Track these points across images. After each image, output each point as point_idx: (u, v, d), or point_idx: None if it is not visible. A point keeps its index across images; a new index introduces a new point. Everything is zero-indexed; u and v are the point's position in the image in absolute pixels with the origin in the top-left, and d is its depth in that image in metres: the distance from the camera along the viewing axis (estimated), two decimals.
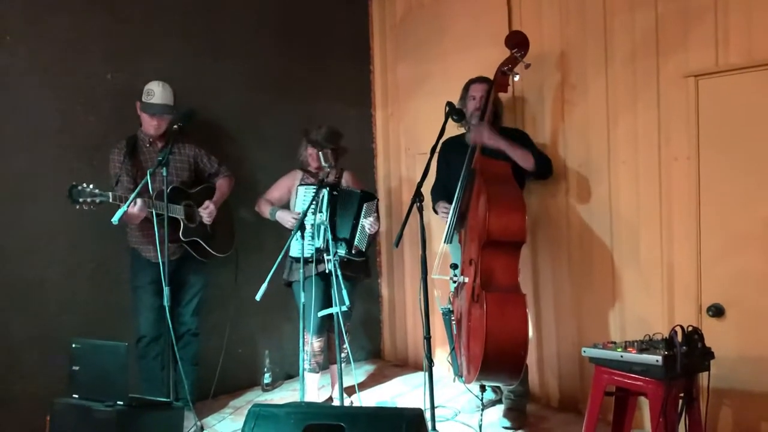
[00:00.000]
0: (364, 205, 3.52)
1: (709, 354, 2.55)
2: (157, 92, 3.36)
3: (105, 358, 2.62)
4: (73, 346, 2.71)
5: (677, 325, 2.51)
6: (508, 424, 3.32)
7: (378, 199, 3.69)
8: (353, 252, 3.51)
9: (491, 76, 3.44)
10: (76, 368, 2.67)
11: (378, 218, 3.64)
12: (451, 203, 3.37)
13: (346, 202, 3.51)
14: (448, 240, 3.36)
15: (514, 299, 3.03)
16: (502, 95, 3.55)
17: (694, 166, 3.04)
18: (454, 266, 3.32)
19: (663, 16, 3.14)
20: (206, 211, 3.48)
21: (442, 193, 3.54)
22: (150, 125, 3.37)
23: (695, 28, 3.02)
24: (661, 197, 3.19)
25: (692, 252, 3.06)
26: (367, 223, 3.52)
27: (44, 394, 3.10)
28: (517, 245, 3.13)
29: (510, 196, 3.14)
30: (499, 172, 3.23)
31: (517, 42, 3.29)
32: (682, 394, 2.57)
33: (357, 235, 3.51)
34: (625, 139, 3.33)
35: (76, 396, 2.65)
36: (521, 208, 3.11)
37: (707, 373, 2.58)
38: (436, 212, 3.61)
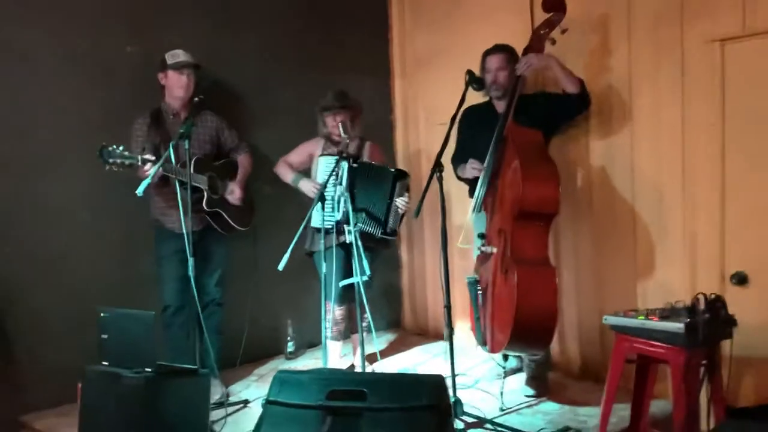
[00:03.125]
0: (398, 184, 3.52)
1: (731, 322, 2.54)
2: (182, 53, 3.41)
3: (132, 326, 2.68)
4: (101, 315, 2.77)
5: (700, 293, 2.50)
6: (530, 392, 3.35)
7: (410, 177, 3.67)
8: (387, 231, 3.52)
9: (514, 45, 3.39)
10: (104, 336, 2.74)
11: (409, 196, 3.62)
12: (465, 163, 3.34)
13: (378, 179, 3.51)
14: (478, 209, 3.33)
15: (544, 272, 3.02)
16: None
17: (718, 132, 2.99)
18: (481, 236, 3.31)
19: None
20: (233, 196, 3.54)
21: (463, 159, 3.49)
22: (179, 85, 3.39)
23: None
24: (684, 164, 3.16)
25: (716, 219, 3.03)
26: (400, 202, 3.53)
27: (74, 362, 3.16)
28: (550, 217, 3.09)
29: (544, 165, 3.08)
30: (531, 140, 3.16)
31: (555, 5, 3.18)
32: (704, 362, 2.57)
33: (391, 214, 3.52)
34: (648, 105, 3.28)
35: (106, 363, 2.72)
36: (555, 178, 3.05)
37: (730, 341, 2.57)
38: (459, 177, 3.56)
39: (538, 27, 3.24)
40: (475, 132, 3.46)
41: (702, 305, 2.49)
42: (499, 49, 3.42)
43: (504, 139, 3.20)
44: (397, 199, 3.53)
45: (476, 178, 3.32)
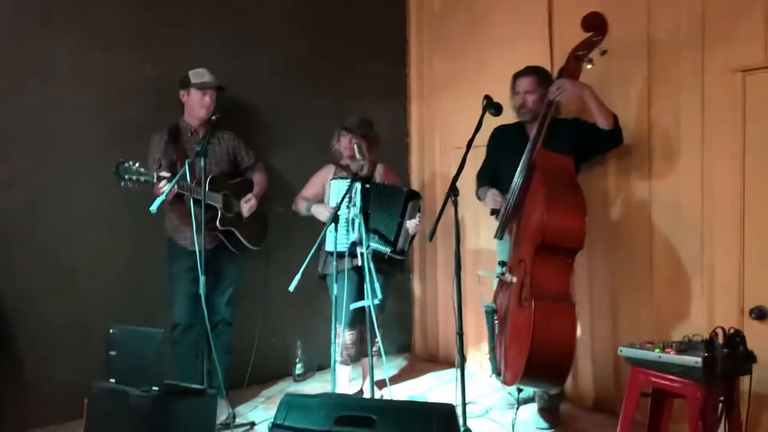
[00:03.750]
0: (409, 204, 3.50)
1: (751, 357, 2.46)
2: (206, 73, 3.45)
3: (141, 344, 2.66)
4: (111, 331, 2.76)
5: (718, 327, 2.44)
6: (543, 424, 3.28)
7: (422, 199, 3.65)
8: (396, 251, 3.49)
9: (536, 66, 3.37)
10: (113, 353, 2.72)
11: (420, 218, 3.59)
12: (499, 191, 3.29)
13: (390, 200, 3.49)
14: (500, 236, 3.28)
15: (564, 309, 2.89)
16: None
17: (738, 164, 2.95)
18: (502, 263, 3.25)
19: (709, 8, 3.04)
20: (247, 205, 3.53)
21: (489, 178, 3.45)
22: (201, 105, 3.42)
23: (743, 21, 2.92)
24: (703, 195, 3.10)
25: (735, 253, 2.97)
26: (411, 224, 3.50)
27: (81, 377, 3.15)
28: (573, 251, 2.97)
29: (570, 195, 2.94)
30: (561, 167, 3.03)
31: (596, 24, 3.01)
32: (722, 398, 2.50)
33: (401, 235, 3.49)
34: (666, 135, 3.24)
35: (113, 380, 2.70)
36: (582, 211, 2.92)
37: (748, 377, 2.50)
38: (478, 197, 3.51)
39: (576, 47, 3.10)
40: (503, 152, 3.40)
41: (720, 339, 2.43)
42: (530, 71, 3.35)
43: (533, 164, 3.10)
44: (408, 220, 3.50)
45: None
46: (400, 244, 3.50)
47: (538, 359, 2.82)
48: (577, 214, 2.92)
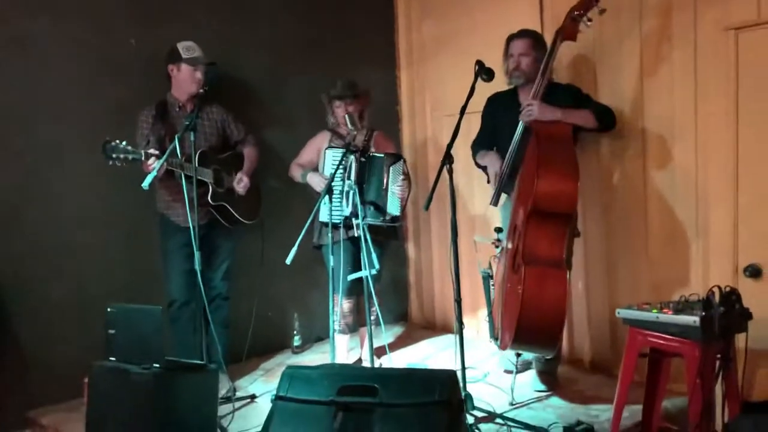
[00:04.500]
0: (390, 169, 3.46)
1: (746, 315, 2.49)
2: (196, 47, 3.38)
3: (140, 321, 2.65)
4: (109, 310, 2.74)
5: (714, 286, 2.46)
6: (540, 387, 3.32)
7: (404, 159, 3.58)
8: (387, 218, 3.47)
9: (530, 29, 3.33)
10: (112, 332, 2.71)
11: (408, 179, 3.55)
12: (495, 153, 3.29)
13: (373, 169, 3.44)
14: (494, 202, 3.27)
15: (555, 275, 2.86)
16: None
17: (732, 121, 2.94)
18: (498, 230, 3.25)
19: None
20: (241, 185, 3.50)
21: (485, 145, 3.44)
22: (192, 81, 3.36)
23: None
24: (696, 154, 3.11)
25: (729, 211, 2.98)
26: (396, 188, 3.46)
27: (80, 356, 3.17)
28: (565, 217, 2.93)
29: (564, 162, 2.90)
30: (556, 132, 2.99)
31: None
32: (718, 356, 2.53)
33: (388, 200, 3.46)
34: (659, 94, 3.23)
35: (113, 359, 2.70)
36: (574, 176, 2.89)
37: (744, 334, 2.53)
38: (477, 164, 3.50)
39: (573, 8, 3.02)
40: (498, 120, 3.37)
41: (717, 298, 2.45)
42: (524, 33, 3.30)
43: (529, 129, 3.07)
44: (392, 186, 3.45)
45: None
46: (389, 209, 3.47)
47: (528, 324, 2.83)
48: (569, 179, 2.89)
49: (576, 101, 3.18)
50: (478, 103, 3.41)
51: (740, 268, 2.96)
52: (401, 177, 3.50)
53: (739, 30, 2.89)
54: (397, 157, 3.54)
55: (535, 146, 2.95)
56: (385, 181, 3.45)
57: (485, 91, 3.48)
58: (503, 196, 3.39)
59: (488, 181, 3.41)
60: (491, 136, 3.44)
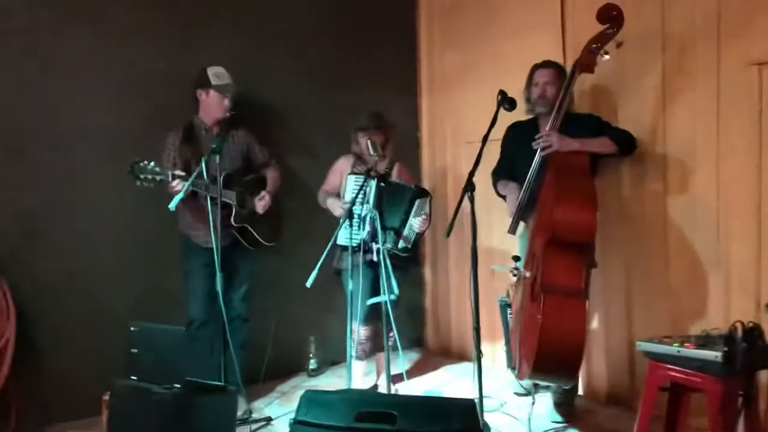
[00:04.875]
0: (416, 202, 3.49)
1: None
2: (225, 74, 3.44)
3: (163, 341, 2.68)
4: (132, 329, 2.77)
5: (738, 321, 2.44)
6: (558, 418, 3.29)
7: (431, 197, 3.64)
8: (399, 247, 3.49)
9: (554, 60, 3.37)
10: (134, 351, 2.74)
11: (429, 217, 3.59)
12: (515, 183, 3.33)
13: (398, 197, 3.48)
14: (512, 230, 3.29)
15: (574, 305, 2.86)
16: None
17: (755, 158, 2.94)
18: (516, 258, 3.26)
19: (725, 0, 3.03)
20: (261, 202, 3.53)
21: (505, 175, 3.47)
22: (220, 108, 3.42)
23: (760, 13, 2.91)
24: (718, 189, 3.10)
25: (751, 246, 2.97)
26: (416, 222, 3.50)
27: (99, 374, 3.20)
28: (585, 246, 2.97)
29: (581, 191, 2.94)
30: (573, 162, 3.03)
31: (611, 17, 3.03)
32: (741, 392, 2.51)
33: (405, 231, 3.49)
34: (681, 128, 3.24)
35: (135, 378, 2.72)
36: (592, 206, 2.91)
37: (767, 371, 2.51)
38: (497, 193, 3.52)
39: (590, 41, 3.08)
40: (518, 149, 3.40)
41: (740, 334, 2.43)
42: (550, 63, 3.36)
43: (547, 159, 3.12)
44: (413, 219, 3.50)
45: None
46: (403, 241, 3.50)
47: (547, 354, 2.82)
48: (587, 208, 2.91)
49: (596, 130, 3.20)
50: (498, 131, 3.42)
51: (762, 303, 2.93)
52: (424, 213, 3.53)
53: (762, 66, 2.90)
54: (425, 193, 3.58)
55: (553, 176, 2.98)
56: (407, 211, 3.47)
57: (506, 120, 3.52)
58: (521, 224, 3.40)
59: (510, 212, 3.42)
60: (510, 163, 3.47)
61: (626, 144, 3.17)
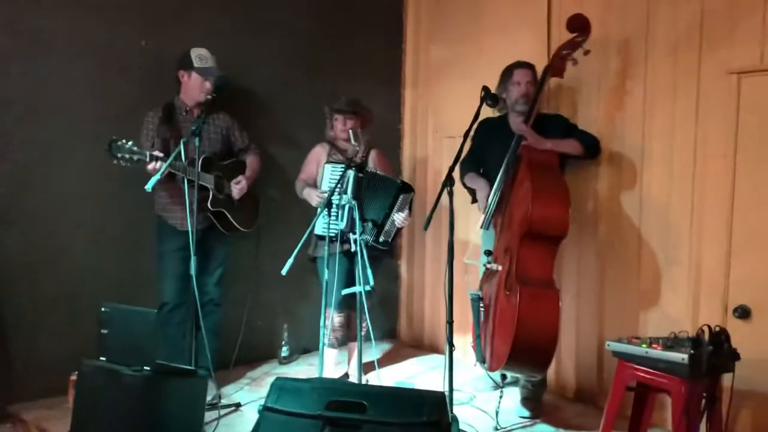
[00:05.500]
0: (400, 197, 3.50)
1: (734, 355, 2.53)
2: (209, 57, 3.40)
3: (134, 323, 2.66)
4: (103, 310, 2.74)
5: (704, 325, 2.50)
6: (526, 413, 3.33)
7: (414, 193, 3.65)
8: (379, 241, 3.50)
9: (527, 60, 3.40)
10: (105, 332, 2.71)
11: (410, 213, 3.60)
12: (480, 177, 3.39)
13: (382, 190, 3.48)
14: (486, 226, 3.33)
15: (548, 295, 2.99)
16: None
17: (730, 164, 3.00)
18: (488, 252, 3.30)
19: (708, 9, 3.08)
20: (237, 186, 3.50)
21: (473, 167, 3.51)
22: (203, 90, 3.38)
23: (741, 23, 2.96)
24: (693, 194, 3.16)
25: (722, 251, 3.03)
26: (399, 217, 3.50)
27: (66, 353, 3.19)
28: (557, 239, 3.08)
29: (555, 187, 3.07)
30: (544, 160, 3.16)
31: (579, 26, 3.19)
32: (704, 394, 2.57)
33: (387, 225, 3.50)
34: (660, 133, 3.28)
35: (104, 359, 2.69)
36: (566, 201, 3.04)
37: (731, 374, 2.56)
38: (464, 184, 3.55)
39: (560, 47, 3.24)
40: (489, 145, 3.46)
41: (706, 337, 2.48)
42: (528, 64, 3.44)
43: (518, 157, 3.21)
44: (396, 213, 3.50)
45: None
46: (384, 233, 3.50)
47: (523, 344, 2.90)
48: (561, 203, 3.04)
49: (563, 131, 3.33)
50: None
51: (730, 308, 3.00)
52: (406, 208, 3.54)
53: (741, 74, 2.95)
54: (410, 188, 3.59)
55: (528, 173, 3.07)
56: (391, 206, 3.48)
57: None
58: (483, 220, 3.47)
59: (472, 202, 3.52)
60: (480, 158, 3.52)
61: (592, 149, 3.32)
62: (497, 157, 3.28)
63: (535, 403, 3.39)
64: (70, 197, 3.44)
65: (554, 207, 3.02)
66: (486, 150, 3.47)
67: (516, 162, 3.21)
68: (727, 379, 2.62)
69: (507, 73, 3.45)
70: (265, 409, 2.38)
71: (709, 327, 2.50)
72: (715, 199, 3.06)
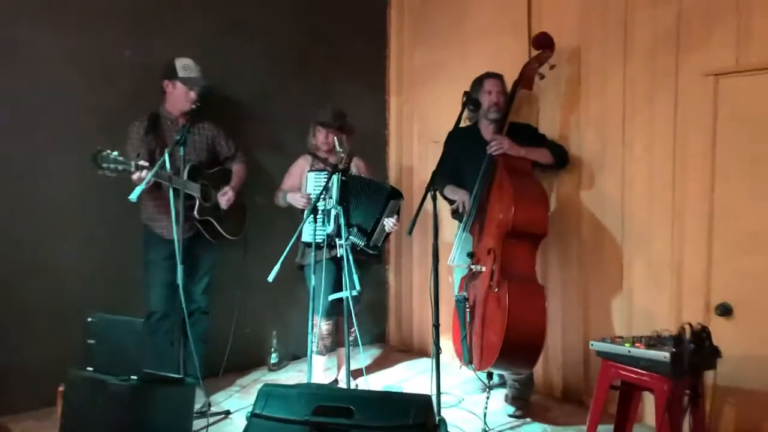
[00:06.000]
0: (390, 203, 3.53)
1: (716, 352, 2.57)
2: (194, 66, 3.42)
3: (121, 333, 2.65)
4: (90, 320, 2.74)
5: (686, 323, 2.53)
6: (514, 412, 3.36)
7: (403, 199, 3.69)
8: (369, 245, 3.53)
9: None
10: (91, 341, 2.71)
11: (398, 219, 3.65)
12: (459, 188, 3.49)
13: (371, 197, 3.52)
14: (468, 228, 3.41)
15: (534, 290, 3.17)
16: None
17: (708, 164, 3.04)
18: (470, 255, 3.35)
19: (685, 13, 3.13)
20: (224, 198, 3.52)
21: (449, 178, 3.57)
22: (188, 99, 3.38)
23: (717, 26, 3.01)
24: (674, 193, 3.20)
25: (702, 250, 3.07)
26: (389, 222, 3.55)
27: (54, 364, 3.16)
28: (538, 238, 3.23)
29: (534, 189, 3.25)
30: (519, 166, 3.33)
31: (544, 43, 3.40)
32: (687, 392, 2.60)
33: (377, 230, 3.52)
34: (640, 134, 3.33)
35: (91, 369, 2.69)
36: (545, 201, 3.24)
37: (713, 371, 2.60)
38: (443, 196, 3.61)
39: (528, 63, 3.44)
40: (461, 154, 3.55)
41: (688, 335, 2.52)
42: (497, 75, 3.58)
43: (494, 164, 3.32)
44: (386, 218, 3.54)
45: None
46: (374, 239, 3.54)
47: (513, 338, 3.01)
48: (540, 203, 3.23)
49: (533, 139, 3.48)
50: None
51: (712, 306, 3.04)
52: (395, 214, 3.57)
53: (718, 76, 3.00)
54: (400, 194, 3.64)
55: (507, 178, 3.21)
56: (381, 210, 3.51)
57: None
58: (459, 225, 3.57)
59: (452, 213, 3.62)
60: (453, 168, 3.58)
61: (561, 159, 3.50)
62: (471, 165, 3.40)
63: (523, 402, 3.42)
64: (55, 207, 3.44)
65: (534, 208, 3.18)
66: (458, 159, 3.55)
67: (492, 167, 3.33)
68: (709, 376, 2.66)
69: (477, 83, 3.57)
70: (252, 416, 2.39)
71: (691, 325, 2.53)
72: (696, 198, 3.10)
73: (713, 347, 2.56)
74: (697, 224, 3.10)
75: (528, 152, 3.37)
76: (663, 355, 2.47)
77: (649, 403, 3.03)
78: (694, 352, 2.47)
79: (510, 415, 3.36)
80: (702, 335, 2.54)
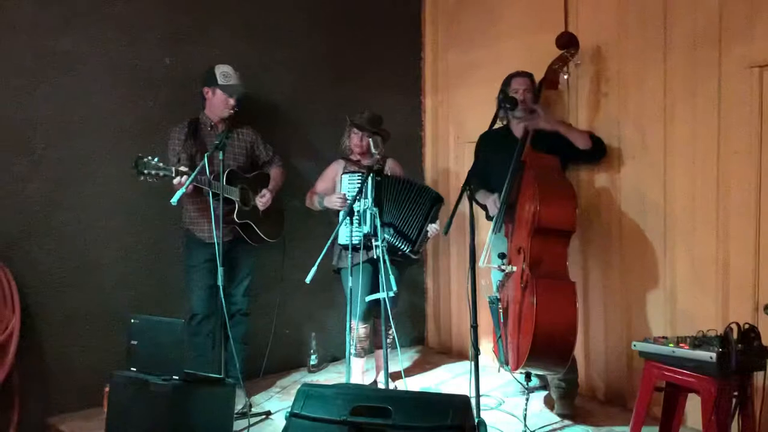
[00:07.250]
0: (434, 208, 3.55)
1: (765, 353, 2.48)
2: (233, 74, 3.48)
3: (162, 334, 2.71)
4: (132, 321, 2.81)
5: (733, 322, 2.46)
6: (564, 411, 3.33)
7: (443, 203, 3.68)
8: (414, 250, 3.54)
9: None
10: (134, 343, 2.78)
11: (439, 223, 3.64)
12: (490, 193, 3.46)
13: (416, 202, 3.54)
14: (497, 229, 3.37)
15: (564, 286, 3.09)
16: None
17: (755, 160, 2.95)
18: (501, 256, 3.32)
19: (727, 2, 3.04)
20: (262, 200, 3.56)
21: (481, 181, 3.55)
22: (226, 107, 3.46)
23: (761, 16, 2.92)
24: (718, 191, 3.11)
25: (750, 249, 2.98)
26: (432, 228, 3.55)
27: (101, 366, 3.27)
28: (567, 234, 3.17)
29: (561, 185, 3.20)
30: (548, 164, 3.28)
31: (567, 42, 3.38)
32: (735, 393, 2.52)
33: (421, 236, 3.54)
34: (682, 129, 3.25)
35: (134, 369, 2.75)
36: (572, 197, 3.18)
37: (763, 372, 2.51)
38: (476, 201, 3.56)
39: (553, 62, 3.40)
40: (492, 156, 3.53)
41: (735, 335, 2.44)
42: (525, 73, 3.54)
43: (522, 164, 3.29)
44: (429, 224, 3.54)
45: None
46: (418, 244, 3.55)
47: (543, 335, 2.95)
48: (568, 199, 3.16)
49: (560, 142, 3.37)
50: None
51: (760, 305, 2.93)
52: (437, 219, 3.58)
53: (763, 68, 2.91)
54: (442, 199, 3.64)
55: (532, 176, 3.16)
56: (427, 216, 3.53)
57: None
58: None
59: (487, 218, 3.57)
60: (483, 170, 3.56)
61: (599, 146, 3.42)
62: (502, 168, 3.35)
63: (570, 401, 3.37)
64: (100, 212, 3.52)
65: (561, 203, 3.13)
66: (489, 163, 3.52)
67: (521, 169, 3.29)
68: (759, 378, 2.57)
69: (506, 83, 3.54)
70: (291, 416, 2.41)
71: (738, 325, 2.46)
72: (741, 194, 3.01)
73: (762, 347, 2.48)
74: (743, 221, 3.01)
75: (565, 127, 3.35)
76: (709, 355, 2.39)
77: (694, 406, 2.94)
78: (741, 352, 2.39)
79: (559, 415, 3.31)
80: (750, 335, 2.46)
